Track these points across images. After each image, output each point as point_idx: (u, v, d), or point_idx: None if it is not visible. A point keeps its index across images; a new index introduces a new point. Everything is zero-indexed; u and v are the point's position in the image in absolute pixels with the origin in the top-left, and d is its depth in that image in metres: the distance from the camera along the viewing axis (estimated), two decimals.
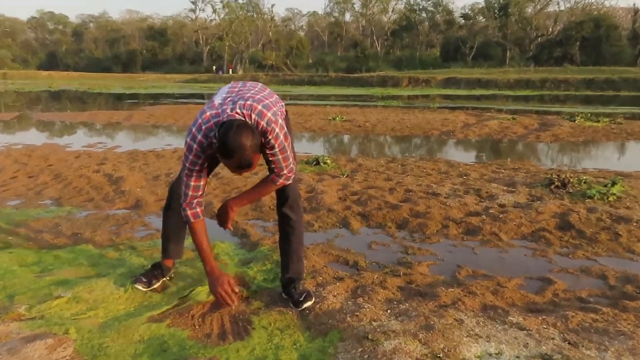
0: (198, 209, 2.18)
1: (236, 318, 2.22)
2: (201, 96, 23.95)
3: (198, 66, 65.20)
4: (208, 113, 2.01)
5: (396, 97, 24.11)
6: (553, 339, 1.99)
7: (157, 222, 3.70)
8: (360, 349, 1.92)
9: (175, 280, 2.66)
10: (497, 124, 10.84)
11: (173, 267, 2.69)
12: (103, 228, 3.65)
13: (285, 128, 2.10)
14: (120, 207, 4.31)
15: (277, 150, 2.06)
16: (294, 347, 1.99)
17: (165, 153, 7.36)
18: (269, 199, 4.15)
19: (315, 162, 6.08)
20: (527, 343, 1.96)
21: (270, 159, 2.11)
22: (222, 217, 2.28)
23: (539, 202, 4.15)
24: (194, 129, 2.02)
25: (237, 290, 2.17)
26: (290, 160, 2.15)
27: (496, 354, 1.90)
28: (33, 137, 9.11)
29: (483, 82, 35.00)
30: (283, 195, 2.36)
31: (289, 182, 2.22)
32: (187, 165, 2.08)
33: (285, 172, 2.15)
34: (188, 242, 2.80)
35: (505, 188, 4.76)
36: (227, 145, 1.84)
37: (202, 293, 2.41)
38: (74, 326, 2.10)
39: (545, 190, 4.55)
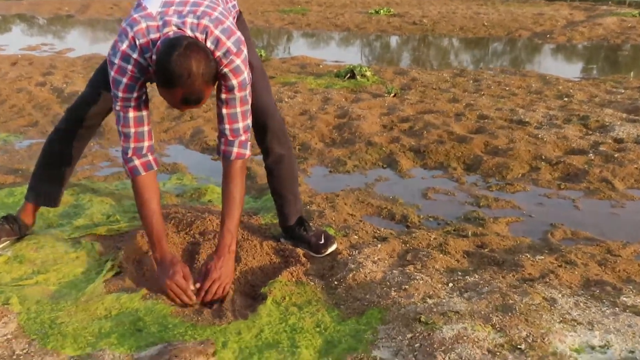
0: (150, 157, 2.16)
1: (238, 289, 2.28)
2: None
3: None
4: (143, 25, 1.97)
5: None
6: None
7: None
8: (409, 335, 1.96)
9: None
10: (615, 23, 10.46)
11: (33, 223, 2.67)
12: None
13: (248, 67, 2.08)
14: None
15: (237, 95, 2.08)
16: (317, 330, 2.04)
17: None
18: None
19: (349, 75, 6.00)
20: None
21: (225, 110, 2.12)
22: (223, 284, 2.20)
23: None
24: (124, 47, 2.00)
25: (193, 287, 2.16)
26: (249, 117, 2.16)
27: (601, 346, 1.91)
28: None
29: None
30: (261, 127, 2.41)
31: (247, 151, 2.20)
32: (119, 93, 2.05)
33: (241, 134, 2.16)
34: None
35: (624, 116, 4.65)
36: (169, 70, 1.84)
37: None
38: (17, 295, 2.19)
39: None
